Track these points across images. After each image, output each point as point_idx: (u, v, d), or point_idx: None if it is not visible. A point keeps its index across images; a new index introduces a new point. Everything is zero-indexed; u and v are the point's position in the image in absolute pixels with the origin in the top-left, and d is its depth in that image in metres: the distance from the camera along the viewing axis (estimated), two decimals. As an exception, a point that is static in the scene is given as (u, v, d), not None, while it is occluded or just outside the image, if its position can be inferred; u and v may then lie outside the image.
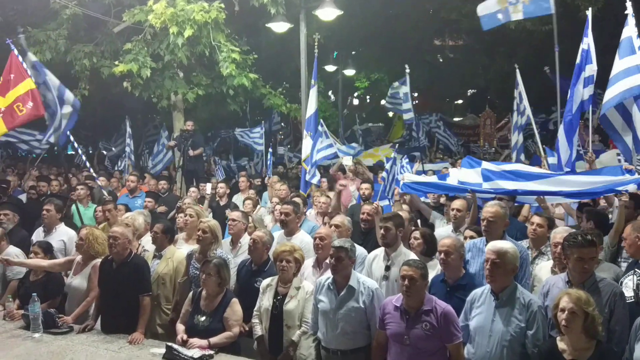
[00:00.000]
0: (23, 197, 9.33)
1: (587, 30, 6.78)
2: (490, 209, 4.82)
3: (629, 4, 6.39)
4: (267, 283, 4.81)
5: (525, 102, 9.44)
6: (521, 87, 9.72)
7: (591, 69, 6.73)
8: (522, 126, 10.15)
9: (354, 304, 4.30)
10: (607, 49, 7.47)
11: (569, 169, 6.61)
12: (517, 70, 9.89)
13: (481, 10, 9.39)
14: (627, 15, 6.42)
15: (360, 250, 5.17)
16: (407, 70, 11.10)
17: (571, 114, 6.84)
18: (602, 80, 6.88)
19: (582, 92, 6.76)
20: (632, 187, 5.37)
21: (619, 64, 6.35)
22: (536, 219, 5.18)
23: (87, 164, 10.65)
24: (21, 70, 8.01)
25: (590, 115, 7.18)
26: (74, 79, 11.48)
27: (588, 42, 6.75)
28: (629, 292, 4.11)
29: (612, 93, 6.34)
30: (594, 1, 12.41)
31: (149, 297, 5.03)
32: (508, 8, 9.05)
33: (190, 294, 4.85)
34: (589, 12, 6.82)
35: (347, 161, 9.83)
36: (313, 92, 9.61)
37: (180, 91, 11.87)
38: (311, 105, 9.58)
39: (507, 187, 5.88)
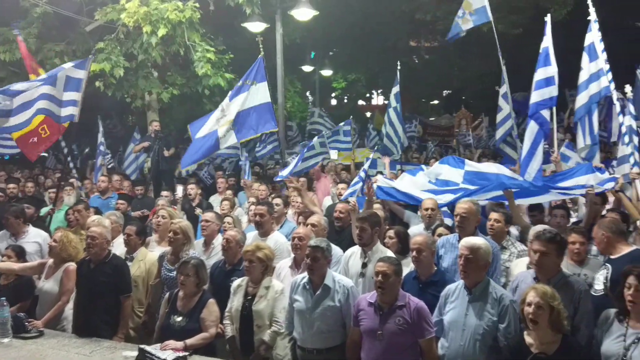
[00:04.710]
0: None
1: (547, 35, 6.93)
2: (464, 205, 4.91)
3: (592, 10, 6.54)
4: (237, 284, 4.79)
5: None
6: None
7: (550, 70, 6.87)
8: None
9: (329, 302, 4.31)
10: (578, 51, 7.64)
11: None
12: None
13: None
14: (589, 21, 6.57)
15: (336, 249, 5.18)
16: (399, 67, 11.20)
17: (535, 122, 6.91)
18: (574, 81, 7.03)
19: (537, 95, 6.90)
20: (610, 185, 5.53)
21: (587, 70, 6.56)
22: (493, 215, 5.26)
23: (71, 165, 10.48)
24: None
25: (555, 115, 7.29)
26: (45, 79, 11.26)
27: (547, 44, 6.91)
28: (599, 286, 4.24)
29: (583, 99, 6.56)
30: (563, 4, 12.73)
31: (130, 298, 5.02)
32: (457, 21, 9.90)
33: (167, 295, 4.81)
34: (548, 18, 6.97)
35: (334, 155, 9.80)
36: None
37: (155, 91, 11.74)
38: None
39: (483, 199, 5.92)
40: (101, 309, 4.86)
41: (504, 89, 9.92)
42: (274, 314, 4.59)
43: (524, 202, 6.17)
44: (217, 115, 8.50)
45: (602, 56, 6.36)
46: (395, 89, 11.04)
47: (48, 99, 7.17)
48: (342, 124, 11.14)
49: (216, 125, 8.42)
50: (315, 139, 9.80)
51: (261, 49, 8.91)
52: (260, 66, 8.52)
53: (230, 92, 8.76)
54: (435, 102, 29.83)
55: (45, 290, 5.24)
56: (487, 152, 14.71)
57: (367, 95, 29.58)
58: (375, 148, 11.75)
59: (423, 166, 7.28)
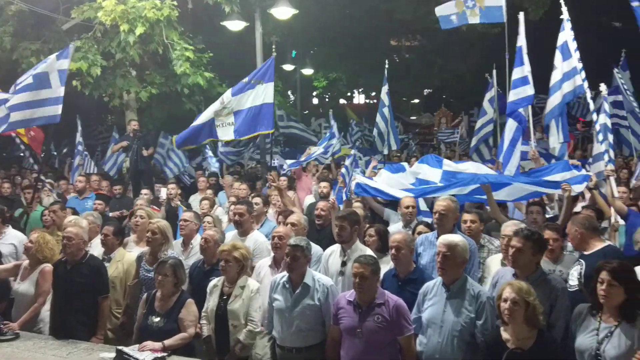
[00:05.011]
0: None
1: (521, 34, 7.02)
2: (442, 202, 4.94)
3: (564, 9, 6.63)
4: (213, 283, 4.78)
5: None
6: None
7: (525, 70, 6.96)
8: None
9: (309, 301, 4.33)
10: (553, 51, 7.77)
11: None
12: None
13: (439, 11, 9.76)
14: (562, 19, 6.64)
15: (315, 248, 5.19)
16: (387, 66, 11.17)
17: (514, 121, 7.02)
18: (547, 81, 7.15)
19: (513, 94, 7.00)
20: (580, 188, 5.62)
21: (560, 69, 6.65)
22: (467, 217, 5.25)
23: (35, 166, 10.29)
24: None
25: (531, 113, 7.41)
26: (20, 78, 11.05)
27: (521, 43, 7.00)
28: (574, 282, 4.32)
29: (557, 99, 6.65)
30: (540, 4, 12.90)
31: (108, 299, 4.97)
32: (465, 11, 9.42)
33: (144, 295, 4.77)
34: (521, 16, 7.06)
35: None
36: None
37: (133, 90, 11.59)
38: None
39: (461, 193, 5.98)
40: (78, 311, 4.82)
41: (492, 92, 10.00)
42: (250, 314, 4.57)
43: (504, 195, 6.25)
44: (216, 106, 8.54)
45: (575, 55, 6.41)
46: (385, 88, 11.08)
47: (31, 107, 7.03)
48: (333, 128, 11.14)
49: (213, 115, 8.48)
50: (337, 143, 10.22)
51: (274, 50, 8.91)
52: (271, 67, 8.58)
53: (233, 87, 8.78)
54: (416, 101, 30.02)
55: (21, 292, 5.18)
56: (468, 151, 14.82)
57: (349, 94, 29.64)
58: (358, 144, 11.81)
59: (406, 165, 7.29)
